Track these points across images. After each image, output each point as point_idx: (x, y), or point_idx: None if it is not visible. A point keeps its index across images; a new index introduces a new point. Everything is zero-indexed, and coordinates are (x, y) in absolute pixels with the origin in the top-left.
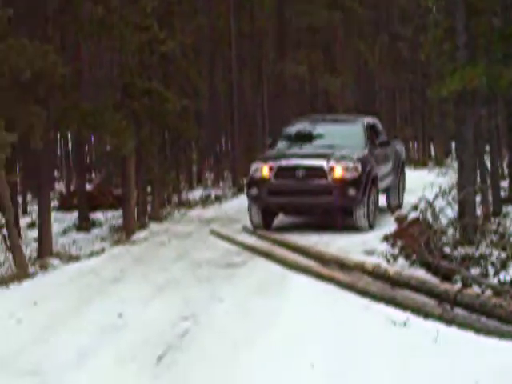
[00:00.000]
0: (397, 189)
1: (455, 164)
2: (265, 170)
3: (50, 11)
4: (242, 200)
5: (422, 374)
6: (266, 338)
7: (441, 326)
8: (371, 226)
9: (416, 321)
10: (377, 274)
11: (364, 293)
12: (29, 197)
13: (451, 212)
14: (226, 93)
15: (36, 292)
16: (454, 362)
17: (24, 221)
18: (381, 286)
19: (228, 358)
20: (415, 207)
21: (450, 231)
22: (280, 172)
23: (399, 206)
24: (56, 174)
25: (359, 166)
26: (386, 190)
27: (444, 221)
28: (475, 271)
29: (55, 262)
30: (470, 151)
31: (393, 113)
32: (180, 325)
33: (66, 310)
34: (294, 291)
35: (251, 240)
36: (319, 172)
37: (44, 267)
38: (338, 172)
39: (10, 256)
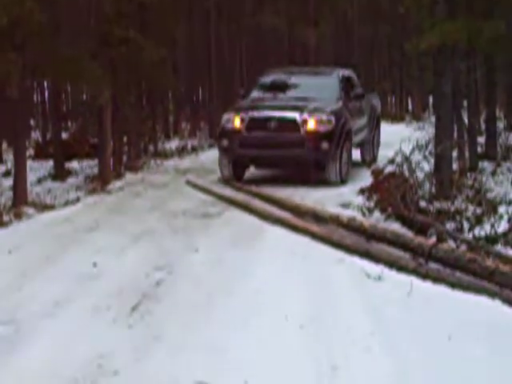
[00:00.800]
0: (371, 143)
1: (432, 118)
2: (236, 121)
3: None
4: None
5: (396, 326)
6: (240, 289)
7: (415, 280)
8: (343, 181)
9: (390, 274)
10: (352, 226)
11: (339, 245)
12: (4, 145)
13: (427, 166)
14: (204, 43)
15: (11, 240)
16: (427, 315)
17: None
18: (356, 239)
19: (202, 308)
20: (391, 161)
21: (426, 185)
22: (252, 123)
23: (374, 160)
24: (32, 122)
25: (333, 119)
26: (361, 144)
27: (420, 175)
28: (450, 226)
29: (30, 210)
30: (447, 106)
31: (371, 66)
32: (155, 275)
33: (41, 258)
34: (269, 242)
35: (227, 191)
36: (292, 124)
37: (19, 216)
38: (311, 125)
39: None
